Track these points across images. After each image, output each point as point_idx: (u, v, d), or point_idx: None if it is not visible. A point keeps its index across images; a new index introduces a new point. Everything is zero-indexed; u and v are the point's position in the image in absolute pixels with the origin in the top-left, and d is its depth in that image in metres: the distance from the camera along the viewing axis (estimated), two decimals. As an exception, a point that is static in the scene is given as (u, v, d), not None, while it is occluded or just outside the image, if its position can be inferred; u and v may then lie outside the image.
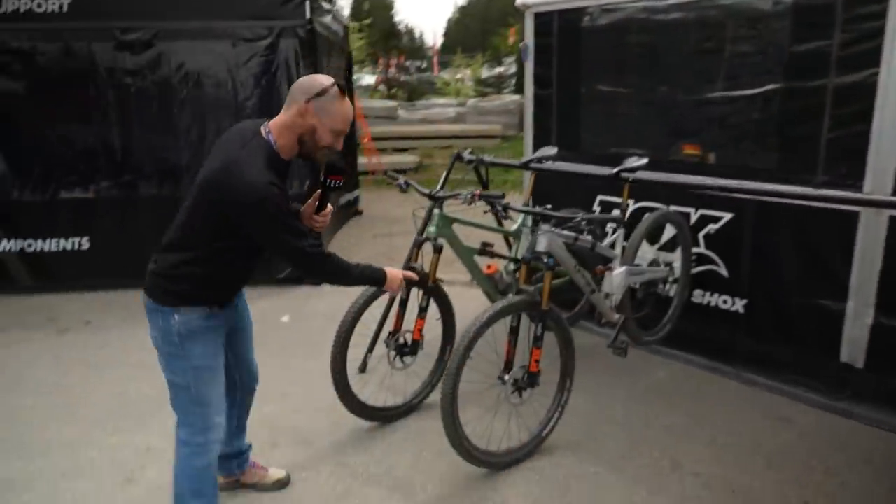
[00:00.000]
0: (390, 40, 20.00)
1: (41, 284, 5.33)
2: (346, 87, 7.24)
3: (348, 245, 6.75)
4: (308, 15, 5.19)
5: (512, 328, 2.81)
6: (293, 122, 2.10)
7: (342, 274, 2.27)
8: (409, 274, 2.60)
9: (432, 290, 3.22)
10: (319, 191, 2.35)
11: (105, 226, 5.31)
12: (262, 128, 2.13)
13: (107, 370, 3.89)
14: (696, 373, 3.74)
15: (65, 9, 4.99)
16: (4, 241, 5.28)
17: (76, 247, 5.31)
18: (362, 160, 10.42)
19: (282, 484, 2.75)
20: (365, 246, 6.70)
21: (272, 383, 3.62)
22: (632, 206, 3.99)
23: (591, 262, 3.23)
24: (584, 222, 2.67)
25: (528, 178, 4.04)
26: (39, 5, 4.98)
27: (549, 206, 3.22)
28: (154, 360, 2.23)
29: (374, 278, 2.42)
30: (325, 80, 2.13)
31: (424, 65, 30.35)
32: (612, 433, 3.14)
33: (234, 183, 1.99)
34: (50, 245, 5.31)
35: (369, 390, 3.20)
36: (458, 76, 20.60)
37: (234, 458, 2.69)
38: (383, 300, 3.12)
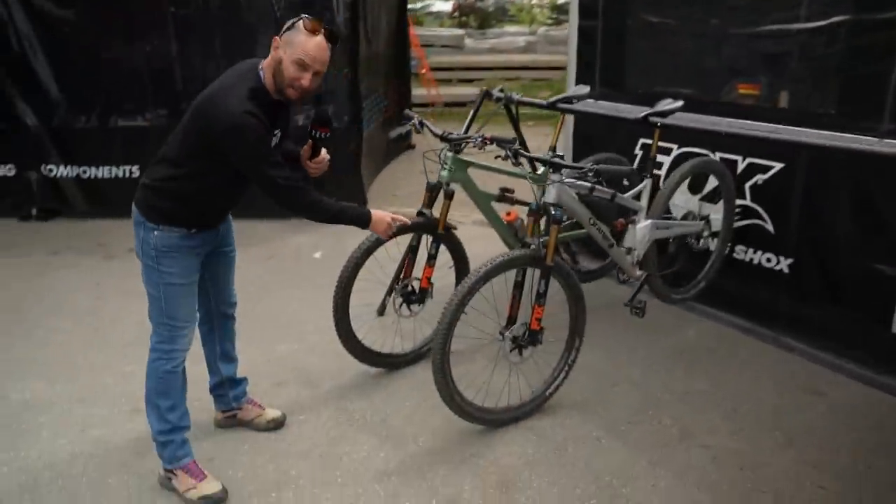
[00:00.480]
0: (462, -37, 19.10)
1: (95, 210, 5.56)
2: (400, 18, 7.18)
3: (395, 179, 6.65)
4: (348, -62, 4.94)
5: (516, 282, 2.66)
6: (270, 58, 2.16)
7: (320, 210, 2.30)
8: (399, 217, 2.53)
9: (443, 237, 3.09)
10: (311, 140, 2.41)
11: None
12: (259, 64, 2.20)
13: (142, 298, 4.03)
14: (730, 334, 3.49)
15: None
16: (62, 167, 5.50)
17: (128, 174, 5.46)
18: (421, 91, 10.19)
19: (277, 423, 2.77)
20: (413, 180, 6.54)
21: (293, 322, 3.69)
22: (675, 151, 3.68)
23: (612, 213, 2.99)
24: (590, 173, 2.43)
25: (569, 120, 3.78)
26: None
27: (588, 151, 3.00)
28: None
29: (357, 217, 2.41)
30: (303, 16, 2.15)
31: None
32: (623, 395, 2.98)
33: (213, 111, 2.10)
34: (103, 172, 5.49)
35: (374, 336, 3.15)
36: (535, 1, 19.59)
37: (230, 390, 2.73)
38: (401, 244, 3.03)
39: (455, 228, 3.17)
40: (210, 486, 2.37)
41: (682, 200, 3.58)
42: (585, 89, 3.43)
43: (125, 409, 2.88)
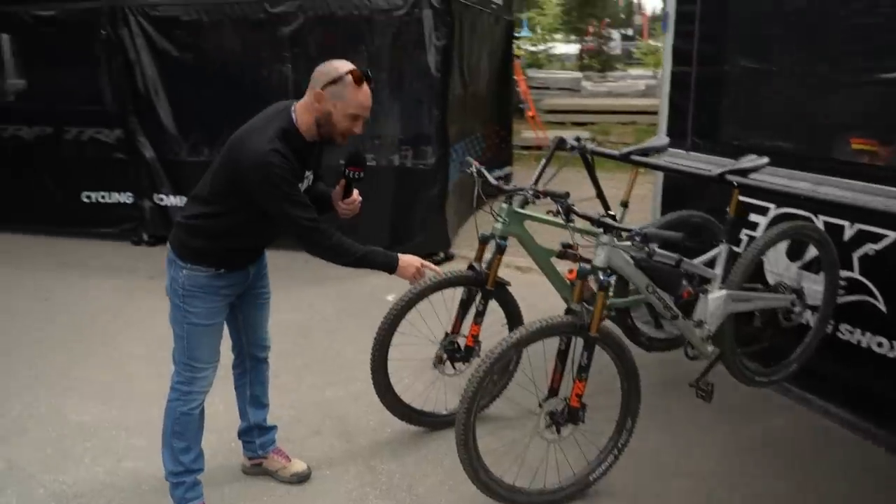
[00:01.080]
0: (585, 7, 18.94)
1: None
2: (504, 60, 7.12)
3: (482, 222, 6.48)
4: (444, -16, 4.95)
5: (559, 351, 2.41)
6: (311, 106, 2.17)
7: (344, 253, 2.22)
8: (429, 265, 2.41)
9: (493, 293, 2.90)
10: (343, 180, 2.38)
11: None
12: (291, 104, 2.24)
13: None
14: (825, 427, 2.99)
15: (225, -17, 5.30)
16: (171, 197, 5.89)
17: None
18: (529, 134, 10.07)
19: (300, 478, 2.66)
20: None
21: (346, 366, 3.60)
22: (772, 212, 3.27)
23: (677, 281, 2.65)
24: (638, 238, 2.14)
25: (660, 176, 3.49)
26: (205, -19, 5.34)
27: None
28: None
29: (383, 263, 2.31)
30: (342, 66, 2.16)
31: (632, 32, 28.63)
32: (684, 491, 2.60)
33: (241, 148, 2.13)
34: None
35: (416, 393, 2.99)
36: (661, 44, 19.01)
37: (257, 437, 2.67)
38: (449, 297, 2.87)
39: (508, 284, 2.97)
40: None
41: (781, 268, 3.15)
42: (664, 141, 3.14)
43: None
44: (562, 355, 2.40)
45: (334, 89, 2.12)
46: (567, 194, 2.48)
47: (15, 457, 2.83)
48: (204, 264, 2.25)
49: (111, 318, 4.31)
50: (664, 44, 3.93)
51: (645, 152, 3.11)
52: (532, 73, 14.33)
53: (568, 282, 2.94)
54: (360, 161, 2.33)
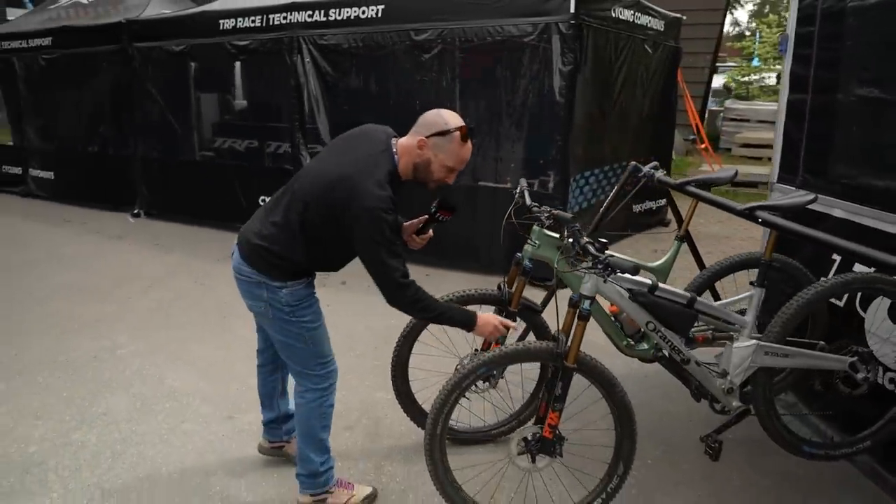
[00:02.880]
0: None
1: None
2: (666, 88, 6.77)
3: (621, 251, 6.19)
4: (573, 10, 4.93)
5: (547, 379, 2.32)
6: (412, 151, 2.23)
7: (424, 308, 2.24)
8: (509, 323, 2.41)
9: (517, 314, 2.85)
10: (427, 217, 2.48)
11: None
12: (391, 141, 2.27)
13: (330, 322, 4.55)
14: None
15: (378, 14, 5.82)
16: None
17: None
18: (705, 167, 9.42)
19: None
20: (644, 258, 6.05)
21: (412, 374, 3.73)
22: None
23: (688, 322, 2.38)
24: (600, 265, 1.97)
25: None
26: (363, 12, 5.91)
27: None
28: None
29: (461, 321, 2.32)
30: (452, 121, 2.22)
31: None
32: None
33: (356, 190, 2.11)
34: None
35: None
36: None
37: (283, 424, 2.91)
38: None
39: (538, 308, 2.90)
40: (364, 490, 2.60)
41: (885, 330, 2.66)
42: (730, 172, 2.84)
43: (223, 415, 3.30)
44: (548, 384, 2.31)
45: (439, 141, 2.19)
46: (574, 217, 2.39)
47: (112, 405, 3.41)
48: (302, 278, 2.34)
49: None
50: (783, 69, 3.53)
51: (706, 184, 2.84)
52: (730, 104, 13.32)
53: (611, 316, 2.83)
54: (451, 207, 2.39)
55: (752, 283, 2.47)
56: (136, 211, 8.09)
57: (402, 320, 2.73)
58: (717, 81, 15.50)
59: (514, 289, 2.82)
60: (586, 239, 2.14)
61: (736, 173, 2.87)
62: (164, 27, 7.45)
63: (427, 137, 2.18)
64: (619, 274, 2.21)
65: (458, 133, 2.17)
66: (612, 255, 2.00)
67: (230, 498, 2.66)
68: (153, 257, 6.31)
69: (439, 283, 5.38)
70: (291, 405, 2.87)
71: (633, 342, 2.77)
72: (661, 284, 2.27)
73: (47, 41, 8.89)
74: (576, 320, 2.18)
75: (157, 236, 7.11)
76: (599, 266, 1.99)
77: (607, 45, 5.61)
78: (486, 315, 2.35)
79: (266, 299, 2.33)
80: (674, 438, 3.01)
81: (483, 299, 2.86)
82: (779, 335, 2.32)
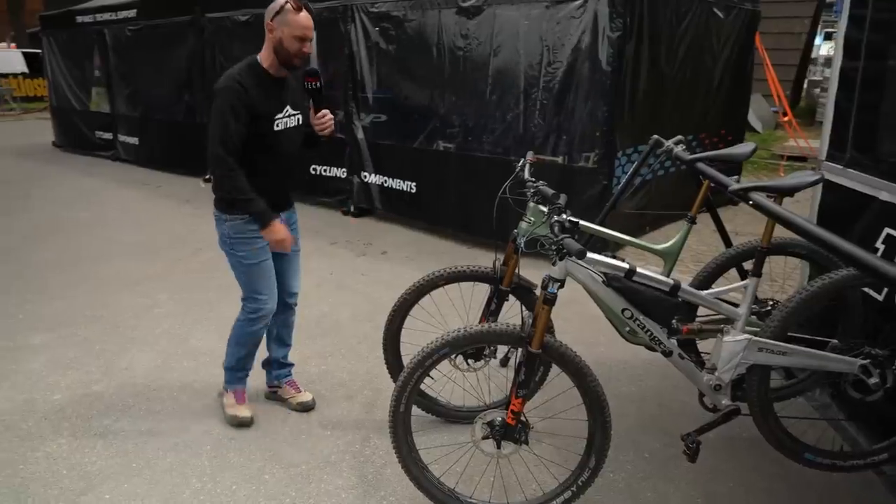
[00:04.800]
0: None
1: (388, 214, 6.51)
2: (741, 56, 6.27)
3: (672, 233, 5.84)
4: (623, -29, 4.62)
5: (517, 363, 2.22)
6: (267, 40, 2.55)
7: (232, 188, 2.55)
8: (288, 240, 2.67)
9: (509, 293, 2.74)
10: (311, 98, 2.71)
11: (426, 175, 6.06)
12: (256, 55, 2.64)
13: (350, 294, 4.61)
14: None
15: (427, -21, 5.70)
16: (372, 175, 6.58)
17: (407, 188, 6.23)
18: (790, 143, 8.72)
19: (304, 407, 3.05)
20: (704, 239, 5.68)
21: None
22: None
23: (672, 310, 2.18)
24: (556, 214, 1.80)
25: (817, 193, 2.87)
26: (412, -23, 5.81)
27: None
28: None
29: (258, 213, 2.58)
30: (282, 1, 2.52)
31: None
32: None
33: (218, 79, 2.56)
34: (395, 183, 6.37)
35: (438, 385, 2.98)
36: None
37: (275, 369, 3.11)
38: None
39: (533, 287, 2.78)
40: (242, 411, 2.96)
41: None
42: (747, 148, 2.57)
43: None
44: (516, 369, 2.21)
45: (279, 18, 2.48)
46: (557, 195, 2.24)
47: (135, 361, 3.59)
48: (238, 213, 2.63)
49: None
50: (836, 32, 3.16)
51: (719, 160, 2.59)
52: (828, 74, 12.20)
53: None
54: (314, 73, 2.62)
55: (748, 273, 2.24)
56: (207, 176, 8.44)
57: (430, 296, 2.74)
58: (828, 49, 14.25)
59: (508, 266, 2.71)
60: (556, 218, 2.00)
61: (755, 149, 2.60)
62: (228, -1, 7.64)
63: (271, 21, 2.48)
64: (595, 257, 2.07)
65: (288, 5, 2.45)
66: (568, 237, 1.85)
67: (221, 455, 2.74)
68: (212, 221, 6.54)
69: (453, 259, 5.30)
70: (282, 352, 3.08)
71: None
72: (640, 269, 2.10)
73: (132, 13, 9.35)
74: (541, 303, 2.05)
75: (221, 201, 7.39)
76: (553, 248, 1.85)
77: (666, 8, 5.24)
78: (283, 229, 2.64)
79: (218, 231, 2.73)
80: (676, 432, 2.83)
81: (475, 276, 2.78)
82: (777, 331, 2.10)
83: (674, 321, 2.16)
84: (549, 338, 2.11)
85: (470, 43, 5.50)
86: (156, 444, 2.81)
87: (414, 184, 6.16)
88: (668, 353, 2.17)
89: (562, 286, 2.06)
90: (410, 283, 2.81)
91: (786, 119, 8.24)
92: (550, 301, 2.04)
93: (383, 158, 6.46)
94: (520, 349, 2.14)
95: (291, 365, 3.16)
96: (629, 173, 3.12)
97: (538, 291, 2.82)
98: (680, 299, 2.12)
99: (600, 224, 3.13)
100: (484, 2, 5.33)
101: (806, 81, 13.14)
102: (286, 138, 2.67)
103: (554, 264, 2.02)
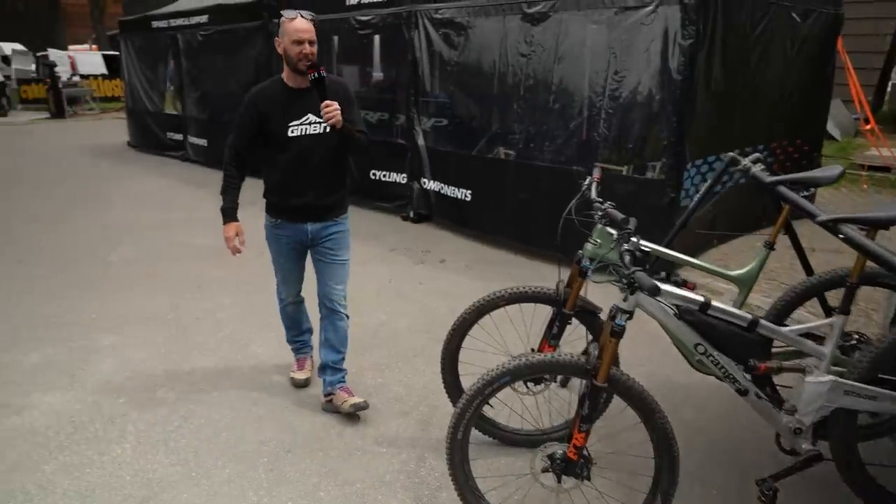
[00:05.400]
0: None
1: (444, 222, 6.48)
2: (821, 62, 5.95)
3: (743, 250, 5.58)
4: (698, -26, 4.43)
5: (581, 395, 2.14)
6: (281, 56, 2.84)
7: (224, 176, 3.02)
8: (235, 246, 3.01)
9: (572, 316, 2.65)
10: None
11: (482, 182, 5.99)
12: None
13: (411, 304, 4.59)
14: None
15: (492, -14, 5.63)
16: (431, 182, 6.56)
17: (462, 196, 6.18)
18: (871, 152, 8.24)
19: (357, 407, 3.06)
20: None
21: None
22: None
23: (750, 347, 2.05)
24: (625, 236, 1.70)
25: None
26: (478, -16, 5.75)
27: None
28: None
29: (222, 210, 3.03)
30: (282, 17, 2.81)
31: None
32: None
33: None
34: (450, 191, 6.33)
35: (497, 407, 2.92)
36: None
37: (328, 375, 3.16)
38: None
39: (598, 311, 2.68)
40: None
41: None
42: (834, 172, 2.39)
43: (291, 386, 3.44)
44: (579, 401, 2.12)
45: (280, 32, 2.80)
46: (627, 220, 2.14)
47: (198, 365, 3.66)
48: (268, 214, 3.04)
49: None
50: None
51: (802, 183, 2.43)
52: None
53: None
54: (315, 65, 2.73)
55: (833, 310, 2.08)
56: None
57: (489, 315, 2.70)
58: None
59: (572, 288, 2.62)
60: (626, 246, 1.90)
61: (842, 173, 2.42)
62: (299, 3, 7.74)
63: (277, 39, 2.83)
64: (667, 288, 1.96)
65: (283, 19, 2.77)
66: (640, 270, 1.75)
67: (278, 469, 2.75)
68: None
69: (511, 270, 5.20)
70: (332, 357, 3.14)
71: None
72: (715, 303, 1.98)
73: (204, 18, 9.65)
74: (608, 335, 1.96)
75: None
76: (623, 281, 1.76)
77: (741, 13, 5.00)
78: (233, 226, 2.99)
79: None
80: (747, 467, 2.67)
81: (537, 297, 2.70)
82: (866, 373, 1.95)
83: (751, 359, 2.03)
84: (616, 370, 2.01)
85: (534, 49, 5.40)
86: (215, 454, 2.85)
87: (469, 191, 6.09)
88: (743, 392, 2.04)
89: (630, 318, 1.96)
90: (468, 293, 2.77)
91: (867, 127, 7.77)
92: (618, 334, 1.94)
93: (440, 165, 6.43)
94: (584, 381, 2.05)
95: (344, 371, 3.18)
96: (701, 192, 2.97)
97: (603, 315, 2.73)
98: (759, 335, 1.99)
99: (668, 245, 3.00)
100: (550, 8, 5.22)
101: (890, 85, 12.42)
102: (304, 142, 2.86)
103: (625, 299, 1.92)
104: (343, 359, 3.17)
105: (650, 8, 4.65)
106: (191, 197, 8.14)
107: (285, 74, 2.86)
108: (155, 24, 10.78)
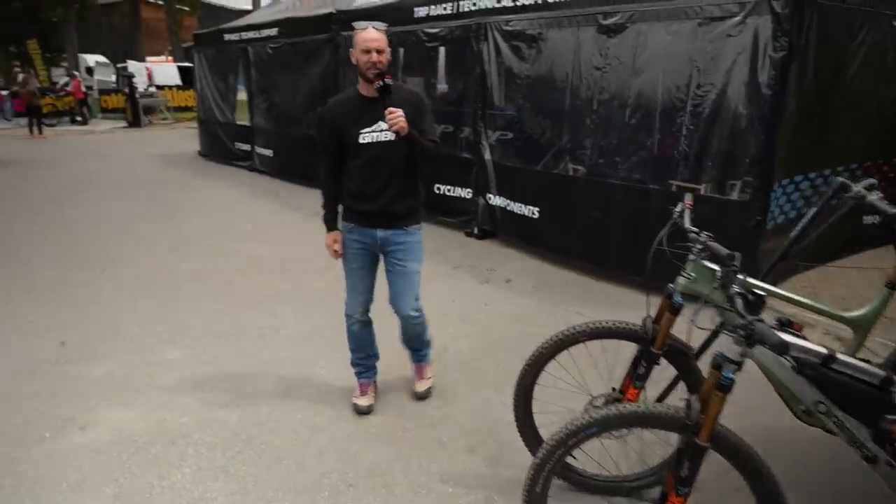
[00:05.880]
0: None
1: (510, 239, 6.29)
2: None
3: (838, 276, 5.17)
4: (792, -17, 4.12)
5: (677, 450, 1.91)
6: (353, 66, 2.90)
7: (322, 195, 3.15)
8: (335, 251, 3.12)
9: (660, 356, 2.42)
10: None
11: (551, 200, 5.77)
12: None
13: (476, 325, 4.43)
14: None
15: (567, -3, 5.44)
16: (497, 197, 6.39)
17: (529, 213, 5.97)
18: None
19: (417, 397, 3.43)
20: (861, 283, 5.01)
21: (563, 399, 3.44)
22: None
23: (877, 408, 1.77)
24: (741, 329, 1.47)
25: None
26: (549, -4, 5.57)
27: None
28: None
29: (324, 220, 3.14)
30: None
31: None
32: None
33: None
34: (516, 207, 6.13)
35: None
36: None
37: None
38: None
39: (690, 351, 2.44)
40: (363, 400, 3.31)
41: None
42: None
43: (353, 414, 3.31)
44: (676, 459, 1.90)
45: (352, 43, 2.86)
46: (732, 256, 1.91)
47: (260, 386, 3.58)
48: (344, 220, 3.12)
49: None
50: None
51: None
52: None
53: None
54: (381, 73, 2.78)
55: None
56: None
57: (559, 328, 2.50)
58: None
59: (660, 325, 2.40)
60: (737, 289, 1.68)
61: None
62: (367, 16, 7.72)
63: (350, 50, 2.89)
64: (787, 339, 1.73)
65: (356, 31, 2.84)
66: (761, 321, 1.52)
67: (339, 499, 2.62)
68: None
69: (581, 294, 4.96)
70: (411, 347, 3.46)
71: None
72: (841, 356, 1.72)
73: (274, 31, 9.79)
74: (713, 388, 1.73)
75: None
76: (741, 332, 1.54)
77: (838, 24, 4.64)
78: (332, 236, 3.11)
79: None
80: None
81: (622, 334, 2.48)
82: None
83: (883, 422, 1.76)
84: (721, 427, 1.78)
85: (609, 62, 5.17)
86: (275, 484, 2.74)
87: (537, 209, 5.88)
88: (871, 460, 1.78)
89: (740, 370, 1.73)
90: (536, 317, 2.59)
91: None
92: (726, 388, 1.71)
93: (507, 180, 6.25)
94: (681, 436, 1.83)
95: (424, 354, 3.48)
96: (805, 218, 2.69)
97: (697, 358, 2.49)
98: (893, 395, 1.72)
99: (765, 278, 2.73)
100: (628, 19, 4.98)
101: None
102: (375, 149, 2.92)
103: (743, 355, 1.69)
104: (423, 354, 3.48)
105: (738, 18, 4.37)
106: (257, 208, 8.22)
107: (360, 85, 2.94)
108: (227, 36, 11.03)
